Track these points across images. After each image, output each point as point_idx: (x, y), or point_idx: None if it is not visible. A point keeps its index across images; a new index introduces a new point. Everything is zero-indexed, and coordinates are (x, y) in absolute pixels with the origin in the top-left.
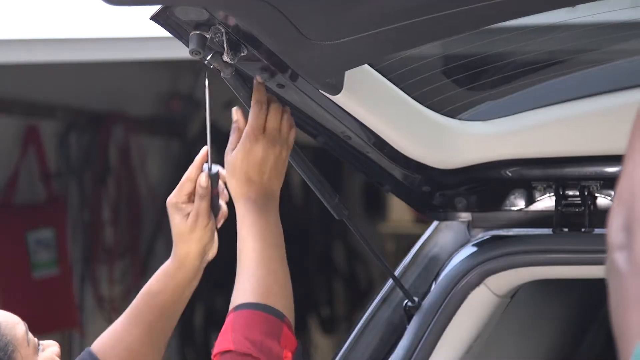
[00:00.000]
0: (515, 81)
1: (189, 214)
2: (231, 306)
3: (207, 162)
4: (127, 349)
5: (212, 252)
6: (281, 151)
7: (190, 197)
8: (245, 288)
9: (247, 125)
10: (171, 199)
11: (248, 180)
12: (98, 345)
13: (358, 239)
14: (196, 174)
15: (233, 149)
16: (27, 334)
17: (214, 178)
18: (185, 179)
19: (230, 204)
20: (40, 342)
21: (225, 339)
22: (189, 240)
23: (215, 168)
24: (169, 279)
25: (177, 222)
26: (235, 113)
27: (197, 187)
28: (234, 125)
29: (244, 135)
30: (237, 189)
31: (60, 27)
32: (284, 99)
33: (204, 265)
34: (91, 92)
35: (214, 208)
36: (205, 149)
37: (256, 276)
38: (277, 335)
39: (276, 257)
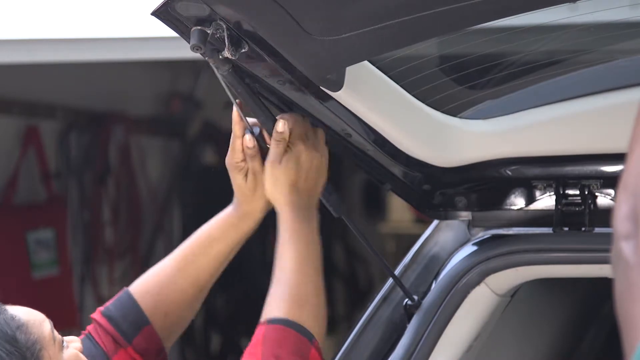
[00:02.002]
0: (515, 80)
1: (247, 173)
2: (264, 316)
3: (246, 127)
4: (178, 291)
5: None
6: (322, 156)
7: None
8: (280, 300)
9: (292, 135)
10: (229, 160)
11: (295, 188)
12: (140, 288)
13: (357, 237)
14: (240, 130)
15: (279, 161)
16: (52, 332)
17: (258, 137)
18: (234, 138)
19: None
20: (63, 338)
21: (255, 353)
22: (253, 198)
23: (256, 128)
24: (232, 229)
25: (239, 182)
26: (282, 125)
27: (245, 150)
28: (278, 137)
29: (292, 144)
30: (283, 197)
31: (60, 27)
32: (284, 96)
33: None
34: (91, 92)
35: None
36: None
37: (291, 290)
38: (306, 356)
39: (313, 271)
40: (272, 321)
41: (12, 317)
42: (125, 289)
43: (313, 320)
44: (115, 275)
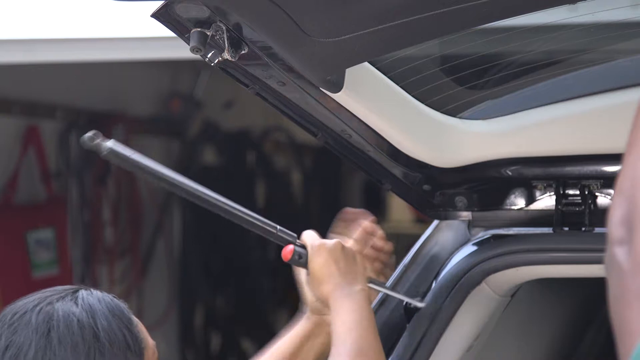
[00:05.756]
0: (515, 80)
1: None
2: None
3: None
4: None
5: None
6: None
7: None
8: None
9: None
10: None
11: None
12: None
13: None
14: None
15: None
16: (155, 350)
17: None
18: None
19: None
20: None
21: None
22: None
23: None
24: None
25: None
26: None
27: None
28: None
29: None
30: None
31: (60, 27)
32: (284, 97)
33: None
34: (91, 92)
35: None
36: None
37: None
38: None
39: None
40: None
41: (129, 311)
42: None
43: None
44: (115, 275)
